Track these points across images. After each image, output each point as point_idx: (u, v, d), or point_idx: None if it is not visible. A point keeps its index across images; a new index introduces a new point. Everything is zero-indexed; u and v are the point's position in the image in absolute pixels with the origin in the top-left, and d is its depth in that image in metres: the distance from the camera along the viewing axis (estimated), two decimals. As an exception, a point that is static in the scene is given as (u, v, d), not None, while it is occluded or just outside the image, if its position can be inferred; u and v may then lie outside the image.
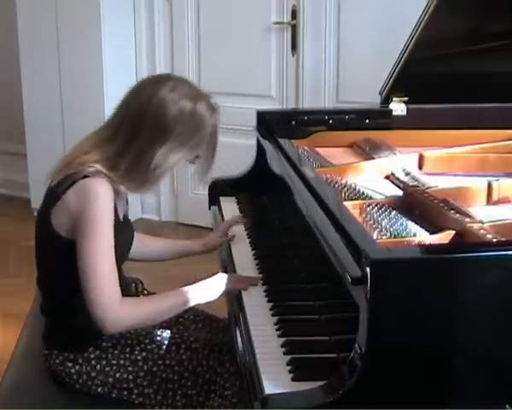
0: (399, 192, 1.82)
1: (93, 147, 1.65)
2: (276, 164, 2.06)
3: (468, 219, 1.52)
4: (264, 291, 1.72)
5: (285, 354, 1.42)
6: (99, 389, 1.70)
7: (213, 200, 2.41)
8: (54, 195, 1.64)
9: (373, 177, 1.98)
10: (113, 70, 4.17)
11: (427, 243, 1.46)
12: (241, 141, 3.75)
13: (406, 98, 2.37)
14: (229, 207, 2.33)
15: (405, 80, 2.34)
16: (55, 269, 1.70)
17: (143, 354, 1.72)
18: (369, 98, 2.65)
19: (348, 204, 1.66)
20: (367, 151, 2.18)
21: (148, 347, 1.73)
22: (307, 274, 1.72)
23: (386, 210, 1.66)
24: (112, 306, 1.56)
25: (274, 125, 2.32)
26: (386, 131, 2.31)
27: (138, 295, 1.89)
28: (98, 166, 1.60)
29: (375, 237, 1.49)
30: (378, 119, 2.39)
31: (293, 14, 3.80)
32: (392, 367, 1.21)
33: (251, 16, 3.91)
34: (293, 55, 3.85)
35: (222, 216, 2.27)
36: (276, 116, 2.43)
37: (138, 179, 1.64)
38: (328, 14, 3.71)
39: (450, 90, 2.33)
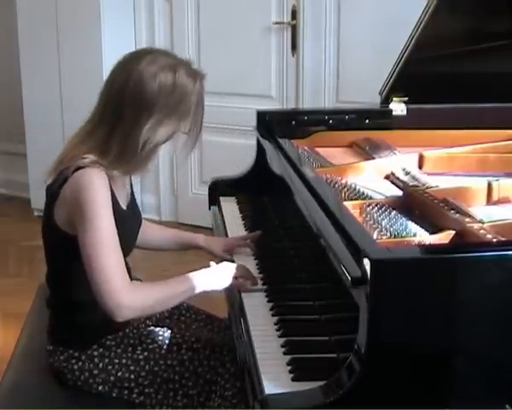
0: (399, 192, 1.82)
1: (82, 138, 1.66)
2: (276, 164, 2.06)
3: (468, 219, 1.52)
4: (265, 291, 1.72)
5: (285, 354, 1.42)
6: (100, 388, 1.70)
7: (213, 200, 2.41)
8: (52, 192, 1.66)
9: (373, 177, 1.98)
10: (113, 70, 4.16)
11: (427, 243, 1.46)
12: (241, 141, 3.75)
13: (406, 98, 2.37)
14: (229, 207, 2.33)
15: (405, 80, 2.34)
16: (62, 265, 1.70)
17: (145, 353, 1.72)
18: (369, 98, 2.65)
19: (348, 204, 1.66)
20: (367, 151, 2.18)
21: (150, 346, 1.74)
22: (307, 274, 1.72)
23: (386, 210, 1.66)
24: (120, 292, 1.53)
25: (274, 125, 2.32)
26: (386, 131, 2.31)
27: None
28: (90, 156, 1.59)
29: (375, 237, 1.49)
30: (378, 119, 2.39)
31: (293, 14, 3.80)
32: (392, 367, 1.21)
33: (251, 16, 3.91)
34: (293, 55, 3.85)
35: (222, 216, 2.27)
36: (276, 116, 2.43)
37: (130, 160, 1.61)
38: (328, 14, 3.71)
39: (450, 90, 2.33)
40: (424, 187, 1.81)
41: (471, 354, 1.24)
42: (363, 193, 1.81)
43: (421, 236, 1.50)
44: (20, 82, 4.40)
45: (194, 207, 4.16)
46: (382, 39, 3.46)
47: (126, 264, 1.71)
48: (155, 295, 1.64)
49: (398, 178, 1.93)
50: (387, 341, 1.21)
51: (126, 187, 1.78)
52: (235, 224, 2.19)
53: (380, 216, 1.62)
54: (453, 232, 1.48)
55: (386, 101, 2.39)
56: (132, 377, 1.70)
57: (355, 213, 1.63)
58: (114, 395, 1.71)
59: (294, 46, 3.83)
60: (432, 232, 1.51)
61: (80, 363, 1.70)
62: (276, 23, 3.86)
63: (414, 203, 1.69)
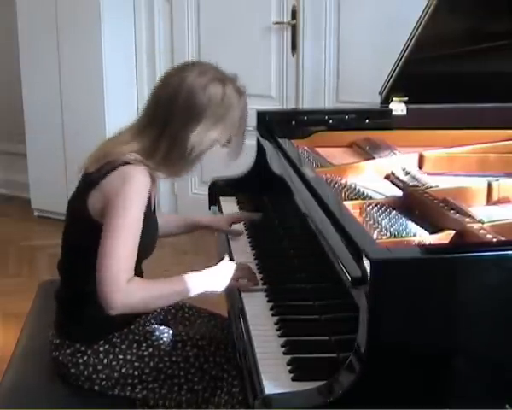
0: (399, 192, 1.83)
1: (129, 138, 1.69)
2: (276, 164, 2.07)
3: (468, 219, 1.52)
4: (265, 291, 1.72)
5: (285, 354, 1.42)
6: (103, 383, 1.70)
7: (213, 200, 2.41)
8: (92, 180, 1.66)
9: (373, 177, 1.98)
10: (113, 70, 4.17)
11: (427, 243, 1.46)
12: (241, 141, 3.75)
13: (406, 98, 2.37)
14: (229, 207, 2.33)
15: (405, 80, 2.35)
16: (80, 255, 1.71)
17: (150, 350, 1.73)
18: (369, 98, 2.65)
19: (348, 204, 1.66)
20: (367, 151, 2.18)
21: (155, 343, 1.74)
22: (307, 274, 1.72)
23: (386, 210, 1.66)
24: (122, 281, 1.55)
25: (274, 125, 2.32)
26: (386, 131, 2.31)
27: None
28: (136, 155, 1.63)
29: (375, 237, 1.49)
30: (378, 119, 2.40)
31: (293, 14, 3.80)
32: (392, 367, 1.21)
33: (251, 16, 3.91)
34: (293, 55, 3.85)
35: (222, 216, 2.27)
36: (276, 116, 2.43)
37: (175, 163, 1.68)
38: (328, 14, 3.71)
39: (450, 90, 2.33)
40: (424, 187, 1.81)
41: (471, 353, 1.24)
42: (363, 193, 1.81)
43: (421, 236, 1.50)
44: (20, 82, 4.40)
45: (194, 207, 4.15)
46: (382, 39, 3.46)
47: (140, 268, 1.74)
48: (151, 292, 1.64)
49: (398, 178, 1.93)
50: (387, 341, 1.21)
51: (156, 194, 1.82)
52: (235, 224, 2.19)
53: (380, 216, 1.62)
54: (453, 232, 1.49)
55: (386, 101, 2.39)
56: (136, 373, 1.70)
57: (355, 213, 1.63)
58: (117, 391, 1.71)
59: (294, 46, 3.83)
60: (432, 232, 1.52)
61: (85, 357, 1.71)
62: (276, 23, 3.86)
63: (414, 203, 1.69)
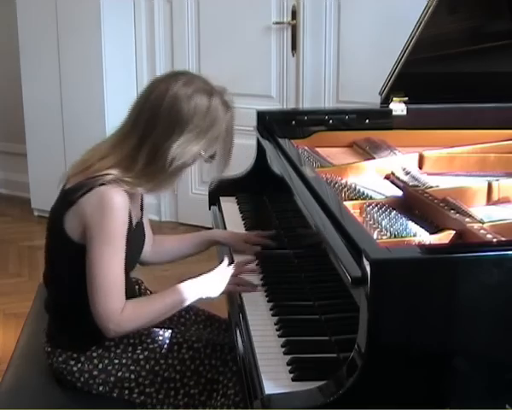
0: (399, 192, 1.82)
1: (109, 148, 1.66)
2: (276, 164, 2.06)
3: (468, 219, 1.52)
4: (265, 291, 1.72)
5: (285, 354, 1.42)
6: (100, 388, 1.70)
7: (213, 200, 2.41)
8: (69, 198, 1.64)
9: (373, 177, 1.98)
10: (113, 70, 4.17)
11: (427, 243, 1.46)
12: (241, 141, 3.73)
13: (406, 98, 2.37)
14: (229, 207, 2.33)
15: (405, 80, 2.35)
16: (64, 270, 1.71)
17: (145, 353, 1.72)
18: (369, 98, 2.65)
19: (348, 204, 1.66)
20: (367, 151, 2.18)
21: (151, 346, 1.74)
22: (307, 274, 1.72)
23: (386, 210, 1.66)
24: (114, 313, 1.58)
25: (274, 125, 2.32)
26: (386, 131, 2.31)
27: (141, 295, 1.90)
28: (114, 172, 1.60)
29: (375, 237, 1.49)
30: (378, 119, 2.40)
31: (293, 14, 3.79)
32: (392, 367, 1.21)
33: (251, 16, 3.91)
34: (293, 55, 3.85)
35: (222, 216, 2.27)
36: (276, 116, 2.43)
37: (155, 176, 1.63)
38: (328, 14, 3.71)
39: (450, 89, 2.33)
40: (424, 187, 1.81)
41: (471, 353, 1.24)
42: (363, 193, 1.81)
43: (421, 236, 1.50)
44: (20, 82, 4.40)
45: (194, 207, 4.16)
46: (382, 39, 3.46)
47: (130, 281, 1.75)
48: (148, 314, 1.66)
49: (398, 178, 1.93)
50: (387, 341, 1.21)
51: (138, 203, 1.80)
52: (235, 224, 2.19)
53: (380, 216, 1.62)
54: (453, 232, 1.49)
55: (386, 101, 2.39)
56: (132, 376, 1.70)
57: (355, 213, 1.63)
58: (115, 395, 1.71)
59: (294, 46, 3.83)
60: (432, 232, 1.52)
61: (79, 364, 1.70)
62: (276, 23, 3.86)
63: (414, 203, 1.69)
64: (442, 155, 2.11)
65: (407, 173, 1.98)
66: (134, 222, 1.72)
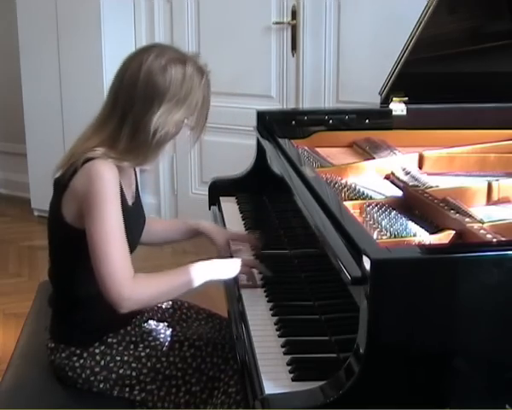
0: (399, 192, 1.82)
1: (91, 132, 1.67)
2: (276, 164, 2.06)
3: (468, 219, 1.52)
4: (265, 291, 1.72)
5: (285, 354, 1.42)
6: (101, 385, 1.70)
7: (213, 200, 2.41)
8: (61, 184, 1.65)
9: (373, 177, 1.98)
10: (113, 70, 4.11)
11: (427, 243, 1.46)
12: (241, 141, 3.75)
13: (406, 98, 2.37)
14: (229, 207, 2.33)
15: (405, 80, 2.35)
16: (66, 261, 1.71)
17: (147, 350, 1.73)
18: (369, 98, 2.65)
19: (348, 204, 1.66)
20: (367, 151, 2.18)
21: (152, 343, 1.74)
22: (307, 274, 1.72)
23: (386, 210, 1.66)
24: (125, 282, 1.54)
25: (274, 125, 2.32)
26: (386, 131, 2.31)
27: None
28: (99, 149, 1.61)
29: (375, 237, 1.49)
30: (378, 119, 2.40)
31: (293, 14, 3.80)
32: (392, 367, 1.21)
33: (251, 16, 3.91)
34: (293, 55, 3.85)
35: (222, 216, 2.27)
36: (276, 116, 2.43)
37: (140, 149, 1.64)
38: (328, 14, 3.71)
39: (450, 90, 2.33)
40: (424, 187, 1.81)
41: (471, 353, 1.24)
42: (363, 193, 1.81)
43: (421, 236, 1.50)
44: (20, 82, 4.40)
45: (194, 207, 4.16)
46: (382, 39, 3.46)
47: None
48: (159, 286, 1.64)
49: (398, 178, 1.93)
50: (387, 341, 1.21)
51: (132, 186, 1.79)
52: (235, 224, 2.19)
53: (380, 216, 1.62)
54: (453, 232, 1.49)
55: (386, 101, 2.39)
56: (134, 374, 1.70)
57: (355, 213, 1.63)
58: (115, 392, 1.71)
59: (294, 46, 3.83)
60: (432, 232, 1.51)
61: (82, 360, 1.71)
62: (276, 23, 3.86)
63: (414, 203, 1.69)
64: (442, 155, 2.11)
65: (407, 173, 1.98)
66: (130, 200, 1.72)
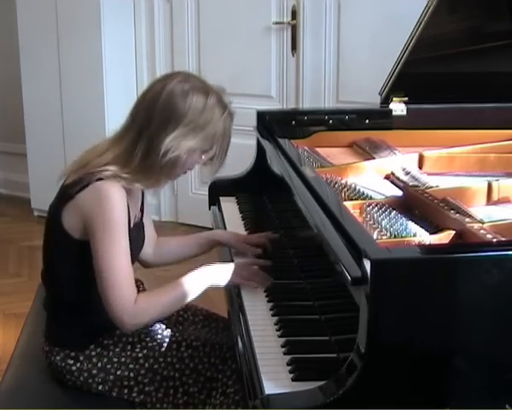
0: (399, 192, 1.82)
1: (108, 145, 1.69)
2: (276, 164, 2.06)
3: (468, 219, 1.52)
4: (265, 291, 1.72)
5: (285, 354, 1.42)
6: (99, 387, 1.70)
7: (213, 200, 2.41)
8: (67, 194, 1.66)
9: (373, 177, 1.98)
10: (113, 70, 4.17)
11: (427, 243, 1.46)
12: (241, 141, 3.74)
13: (406, 98, 2.37)
14: (229, 207, 2.33)
15: (405, 80, 2.34)
16: (63, 267, 1.71)
17: (144, 351, 1.72)
18: (369, 98, 2.65)
19: (348, 204, 1.66)
20: (367, 151, 2.18)
21: (149, 344, 1.74)
22: (307, 274, 1.72)
23: (386, 210, 1.66)
24: (128, 304, 1.57)
25: (274, 125, 2.31)
26: (386, 131, 2.31)
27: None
28: (112, 168, 1.62)
29: (375, 237, 1.49)
30: (378, 119, 2.39)
31: (293, 14, 3.80)
32: (392, 367, 1.21)
33: (251, 16, 3.91)
34: (293, 55, 3.85)
35: (222, 216, 2.27)
36: (276, 116, 2.43)
37: (152, 171, 1.65)
38: (328, 14, 3.71)
39: (450, 89, 2.33)
40: (424, 187, 1.81)
41: (471, 353, 1.24)
42: (363, 193, 1.81)
43: (421, 236, 1.50)
44: (20, 82, 4.40)
45: (194, 207, 4.16)
46: (382, 39, 3.46)
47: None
48: (160, 305, 1.66)
49: (398, 178, 1.93)
50: (387, 341, 1.21)
51: (138, 206, 1.80)
52: (234, 224, 2.19)
53: (380, 216, 1.62)
54: (453, 232, 1.49)
55: (386, 101, 2.39)
56: (132, 375, 1.70)
57: (355, 213, 1.63)
58: (114, 394, 1.71)
59: (294, 46, 3.83)
60: (432, 232, 1.51)
61: (78, 363, 1.70)
62: (276, 23, 3.86)
63: (414, 203, 1.69)
64: (442, 155, 2.11)
65: (407, 173, 1.98)
66: (132, 222, 1.73)
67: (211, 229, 2.34)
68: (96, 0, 4.02)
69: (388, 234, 1.52)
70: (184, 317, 1.92)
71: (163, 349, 1.74)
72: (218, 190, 2.42)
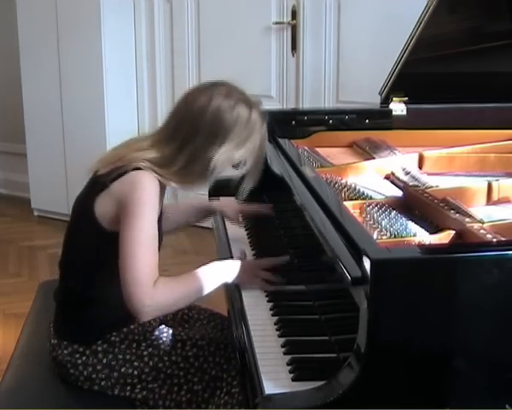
0: (399, 192, 1.83)
1: (148, 146, 1.69)
2: (276, 164, 2.06)
3: (468, 219, 1.52)
4: (265, 291, 1.72)
5: (285, 354, 1.42)
6: (102, 383, 1.70)
7: (213, 200, 2.40)
8: (101, 183, 1.66)
9: (373, 177, 1.98)
10: (113, 70, 4.17)
11: (427, 243, 1.46)
12: (241, 141, 3.75)
13: (406, 98, 2.37)
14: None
15: (405, 80, 2.35)
16: (85, 258, 1.71)
17: (149, 349, 1.73)
18: (369, 98, 2.65)
19: (348, 204, 1.66)
20: (367, 151, 2.18)
21: (155, 343, 1.74)
22: (307, 274, 1.72)
23: (386, 210, 1.66)
24: (147, 290, 1.54)
25: (274, 125, 2.31)
26: (386, 131, 2.31)
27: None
28: (149, 164, 1.63)
29: (375, 237, 1.49)
30: (378, 119, 2.39)
31: (293, 14, 3.80)
32: (392, 367, 1.21)
33: (251, 16, 3.91)
34: (293, 55, 3.85)
35: (222, 216, 2.26)
36: (276, 116, 2.42)
37: (192, 177, 1.69)
38: (328, 14, 3.71)
39: (450, 89, 2.33)
40: (424, 187, 1.81)
41: (471, 353, 1.24)
42: (363, 193, 1.81)
43: (421, 236, 1.50)
44: (20, 82, 4.40)
45: (194, 208, 4.16)
46: (382, 39, 3.46)
47: None
48: (180, 290, 1.65)
49: (398, 178, 1.93)
50: (387, 341, 1.21)
51: (162, 201, 1.80)
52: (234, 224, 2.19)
53: (380, 216, 1.62)
54: (453, 232, 1.49)
55: (386, 101, 2.39)
56: (136, 373, 1.70)
57: (355, 213, 1.63)
58: (116, 391, 1.71)
59: (294, 46, 3.83)
60: (432, 232, 1.52)
61: (84, 358, 1.71)
62: (276, 23, 3.86)
63: (414, 203, 1.69)
64: (442, 155, 2.11)
65: (407, 173, 1.98)
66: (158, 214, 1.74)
67: (211, 229, 2.35)
68: (95, 0, 4.03)
69: (388, 234, 1.52)
70: (189, 315, 1.93)
71: (168, 348, 1.74)
72: (218, 190, 2.42)
